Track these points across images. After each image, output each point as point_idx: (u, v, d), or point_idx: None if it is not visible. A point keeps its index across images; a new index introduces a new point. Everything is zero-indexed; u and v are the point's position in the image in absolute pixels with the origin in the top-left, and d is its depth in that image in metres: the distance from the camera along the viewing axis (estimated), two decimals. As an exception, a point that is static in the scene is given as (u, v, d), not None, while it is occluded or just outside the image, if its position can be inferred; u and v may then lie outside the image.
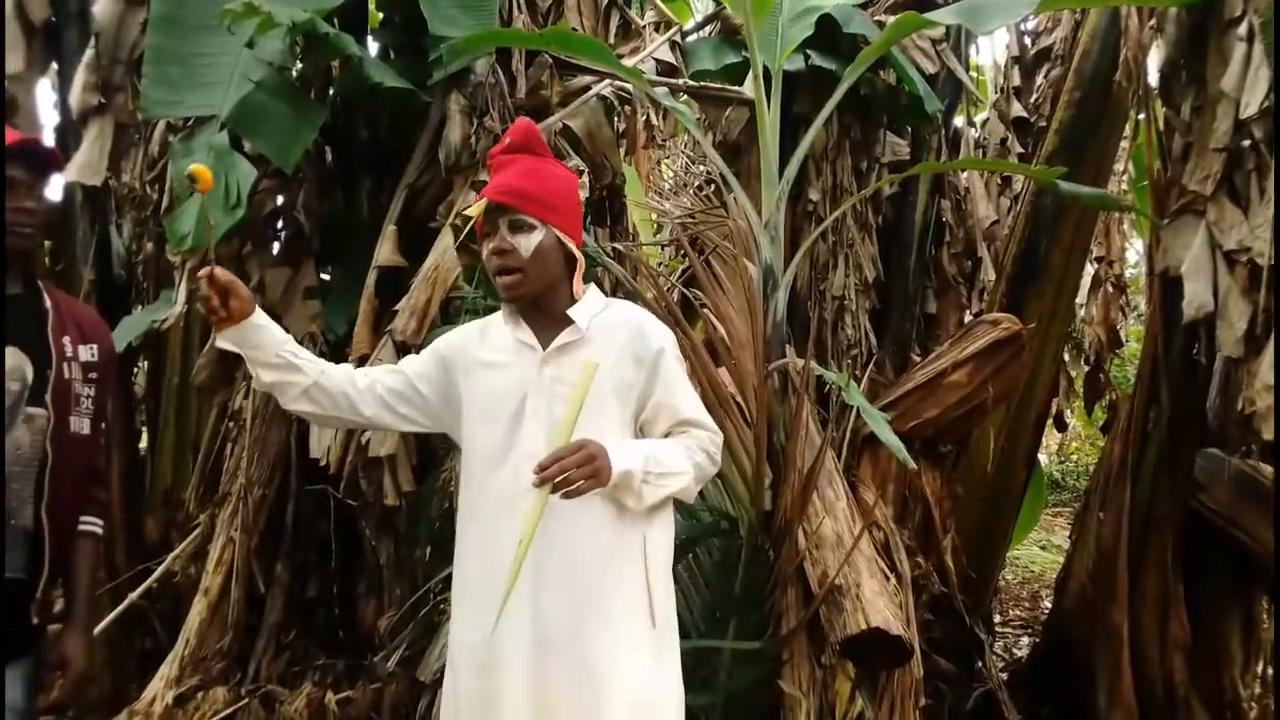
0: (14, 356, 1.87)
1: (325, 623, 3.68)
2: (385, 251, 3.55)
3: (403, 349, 3.36)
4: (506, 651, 1.81)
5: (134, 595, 3.50)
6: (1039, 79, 5.61)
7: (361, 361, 3.38)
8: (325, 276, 3.87)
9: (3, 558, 1.85)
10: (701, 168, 5.24)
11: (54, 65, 4.25)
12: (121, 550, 4.03)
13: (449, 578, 3.20)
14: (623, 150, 4.39)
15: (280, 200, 3.82)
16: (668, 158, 6.93)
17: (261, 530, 3.55)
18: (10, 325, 1.89)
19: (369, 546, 3.58)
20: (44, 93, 4.33)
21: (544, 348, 1.90)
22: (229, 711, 3.10)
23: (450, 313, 3.45)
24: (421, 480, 3.44)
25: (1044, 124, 5.05)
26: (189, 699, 3.15)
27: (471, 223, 1.98)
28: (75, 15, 4.19)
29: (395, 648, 3.30)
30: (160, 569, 3.62)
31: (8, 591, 1.87)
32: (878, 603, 2.57)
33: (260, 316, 1.89)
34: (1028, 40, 5.76)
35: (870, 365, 3.80)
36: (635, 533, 1.87)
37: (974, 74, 5.93)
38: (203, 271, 1.80)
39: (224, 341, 1.89)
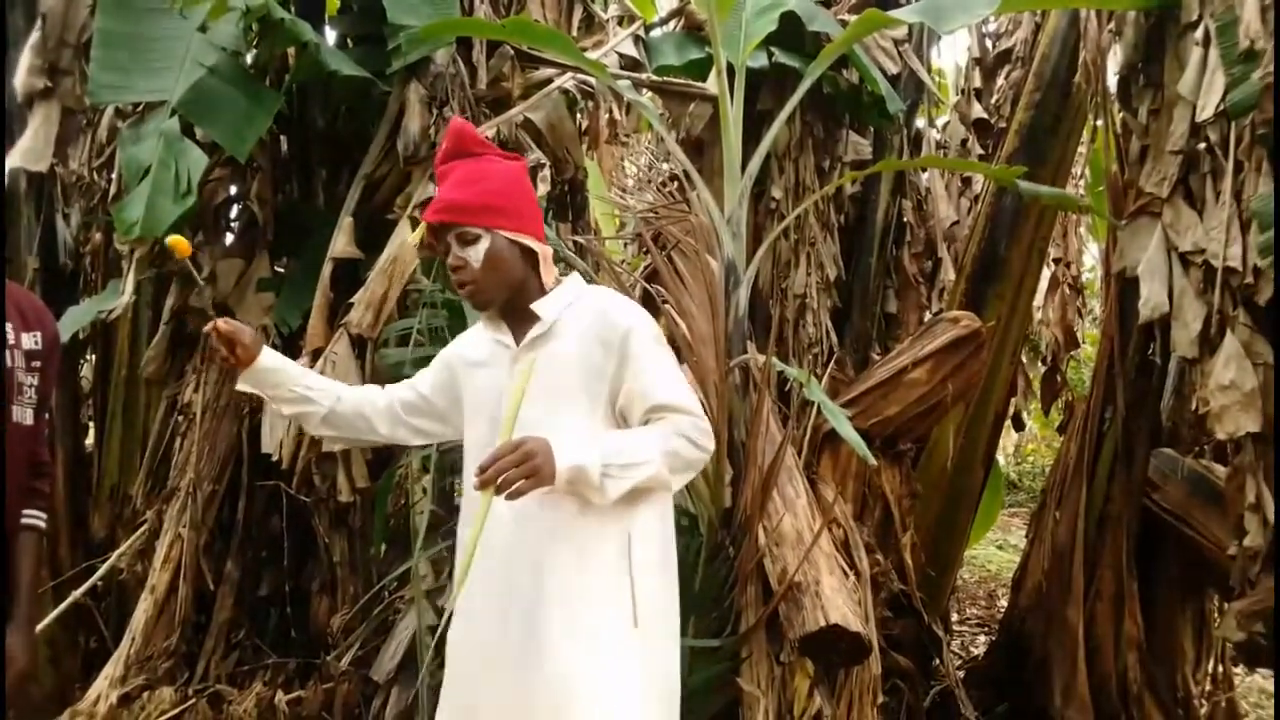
0: None
1: (277, 621, 3.61)
2: (341, 243, 3.48)
3: (358, 342, 3.30)
4: (480, 651, 1.81)
5: (78, 593, 3.40)
6: (999, 80, 5.65)
7: (316, 355, 3.32)
8: (280, 268, 3.79)
9: None
10: (665, 164, 5.21)
11: (-1, 47, 4.11)
12: (66, 547, 3.91)
13: (404, 575, 3.18)
14: (585, 145, 4.35)
15: (233, 189, 3.75)
16: (631, 154, 6.89)
17: (211, 527, 3.48)
18: None
19: (322, 544, 3.51)
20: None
21: (518, 345, 1.89)
22: (176, 712, 3.03)
23: (407, 306, 3.40)
24: (376, 477, 3.39)
25: (1004, 125, 5.09)
26: (134, 699, 3.07)
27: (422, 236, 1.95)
28: (21, -4, 4.06)
29: (348, 646, 3.24)
30: (105, 566, 3.52)
31: None
32: (836, 600, 2.56)
33: (270, 358, 1.97)
34: (989, 42, 5.80)
35: (831, 363, 3.80)
36: (617, 529, 1.81)
37: (935, 77, 5.97)
38: (208, 325, 1.90)
39: (242, 384, 2.00)
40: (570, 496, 1.75)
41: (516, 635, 1.78)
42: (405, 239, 3.42)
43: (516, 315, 1.90)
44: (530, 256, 1.89)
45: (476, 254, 1.83)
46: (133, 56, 3.35)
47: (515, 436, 1.65)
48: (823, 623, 2.53)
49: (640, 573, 1.80)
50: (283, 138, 3.85)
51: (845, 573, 2.73)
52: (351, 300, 3.31)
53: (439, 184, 1.90)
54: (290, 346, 3.53)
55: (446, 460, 3.31)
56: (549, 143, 3.82)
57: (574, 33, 4.22)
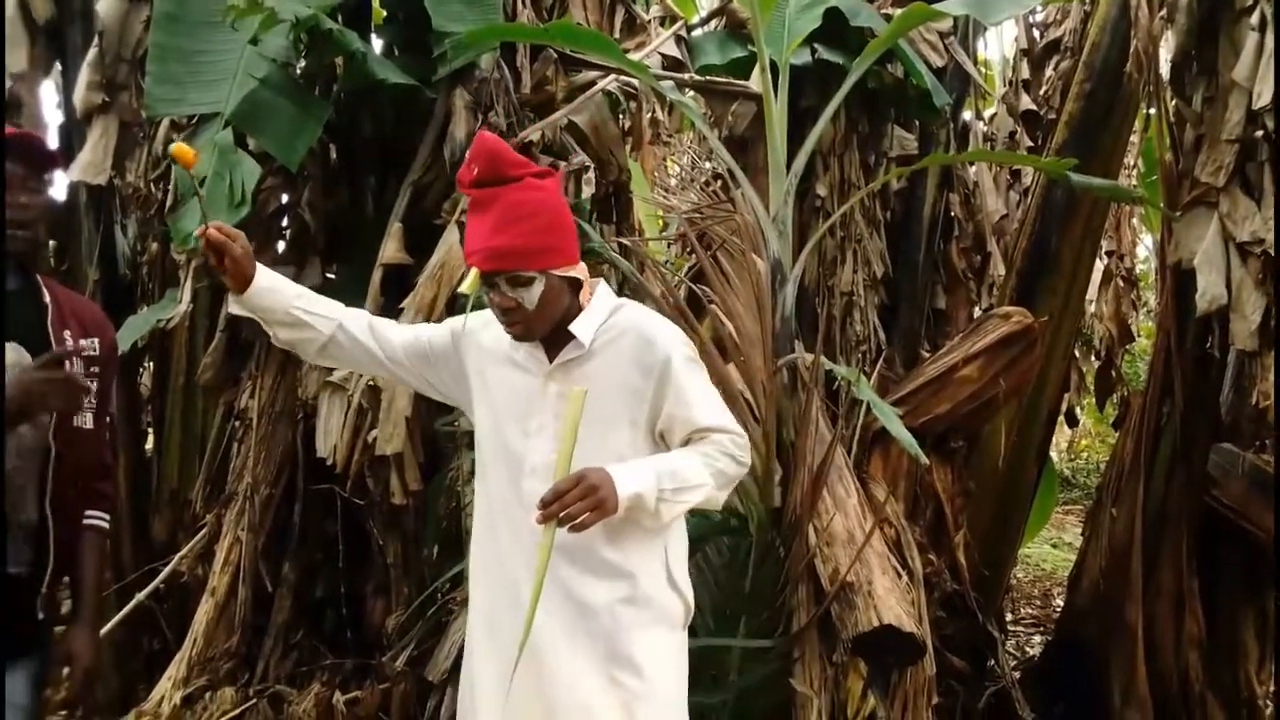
0: (13, 351, 1.85)
1: (333, 622, 3.65)
2: (390, 249, 3.53)
3: (408, 347, 3.34)
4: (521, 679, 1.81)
5: (141, 595, 3.49)
6: (1048, 71, 5.56)
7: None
8: (330, 275, 3.85)
9: (3, 553, 1.83)
10: (708, 164, 5.20)
11: (58, 64, 4.24)
12: (128, 550, 4.01)
13: (457, 576, 3.22)
14: (628, 146, 4.36)
15: (285, 198, 3.80)
16: (673, 154, 6.88)
17: (268, 530, 3.53)
18: (9, 320, 1.87)
19: (376, 546, 3.56)
20: (48, 92, 4.33)
21: (551, 361, 1.87)
22: (237, 712, 3.09)
23: (456, 310, 3.43)
24: (429, 479, 3.43)
25: (1053, 117, 5.01)
26: (197, 699, 3.14)
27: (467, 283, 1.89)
28: (79, 14, 4.18)
29: (403, 647, 3.29)
30: (167, 569, 3.59)
31: (12, 587, 1.85)
32: (890, 600, 2.54)
33: (265, 278, 1.87)
34: (1036, 33, 5.72)
35: (880, 361, 3.76)
36: (658, 543, 1.89)
37: (982, 68, 5.89)
38: (198, 230, 1.81)
39: (234, 308, 1.90)
40: (620, 523, 1.79)
41: (571, 658, 1.83)
42: (453, 244, 3.46)
43: (551, 334, 1.88)
44: (575, 283, 1.87)
45: (530, 296, 1.78)
46: (187, 70, 3.42)
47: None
48: (876, 623, 2.51)
49: (677, 577, 1.92)
50: (332, 146, 3.91)
51: (898, 573, 2.72)
52: (402, 305, 3.35)
53: (473, 210, 1.82)
54: (342, 351, 3.58)
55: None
56: (593, 145, 3.83)
57: (616, 34, 4.23)
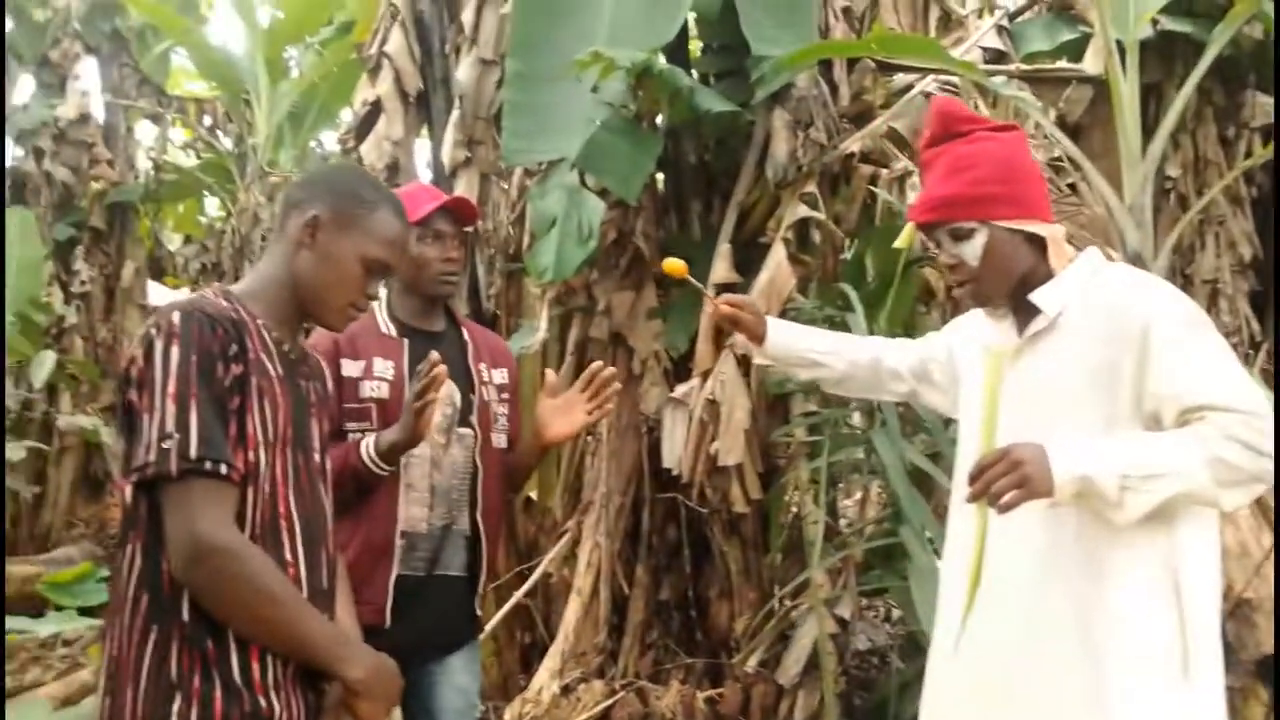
0: (447, 385, 2.16)
1: (680, 623, 3.86)
2: (720, 269, 3.69)
3: (743, 361, 3.48)
4: (968, 680, 1.69)
5: (518, 594, 3.89)
6: None
7: (705, 376, 3.55)
8: (664, 297, 4.08)
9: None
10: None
11: (425, 128, 4.86)
12: (502, 553, 4.47)
13: (802, 585, 3.29)
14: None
15: (620, 229, 4.09)
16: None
17: (622, 536, 3.80)
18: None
19: (718, 552, 3.72)
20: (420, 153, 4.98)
21: (1020, 337, 1.70)
22: (608, 704, 3.34)
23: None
24: (767, 488, 3.54)
25: None
26: (571, 690, 3.44)
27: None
28: (440, 82, 4.77)
29: (751, 650, 3.42)
30: (538, 571, 3.97)
31: (457, 588, 2.15)
32: (1300, 621, 2.29)
33: (778, 333, 2.07)
34: None
35: (1260, 354, 3.38)
36: (1156, 557, 1.56)
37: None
38: (709, 305, 2.12)
39: (758, 358, 2.22)
40: (1095, 519, 1.53)
41: (1025, 684, 1.61)
42: (781, 261, 3.56)
43: (1021, 306, 1.69)
44: (1037, 241, 1.66)
45: (973, 250, 1.65)
46: (535, 122, 3.78)
47: (1003, 443, 1.50)
48: (1285, 645, 2.27)
49: (1192, 609, 1.55)
50: (659, 176, 4.15)
51: (1306, 590, 2.43)
52: (735, 323, 3.49)
53: (924, 173, 1.76)
54: (680, 368, 3.80)
55: (833, 471, 3.40)
56: (914, 149, 3.79)
57: (931, 33, 4.15)
